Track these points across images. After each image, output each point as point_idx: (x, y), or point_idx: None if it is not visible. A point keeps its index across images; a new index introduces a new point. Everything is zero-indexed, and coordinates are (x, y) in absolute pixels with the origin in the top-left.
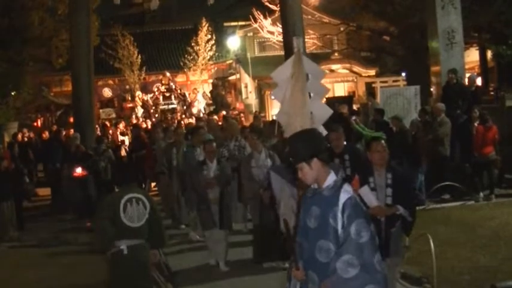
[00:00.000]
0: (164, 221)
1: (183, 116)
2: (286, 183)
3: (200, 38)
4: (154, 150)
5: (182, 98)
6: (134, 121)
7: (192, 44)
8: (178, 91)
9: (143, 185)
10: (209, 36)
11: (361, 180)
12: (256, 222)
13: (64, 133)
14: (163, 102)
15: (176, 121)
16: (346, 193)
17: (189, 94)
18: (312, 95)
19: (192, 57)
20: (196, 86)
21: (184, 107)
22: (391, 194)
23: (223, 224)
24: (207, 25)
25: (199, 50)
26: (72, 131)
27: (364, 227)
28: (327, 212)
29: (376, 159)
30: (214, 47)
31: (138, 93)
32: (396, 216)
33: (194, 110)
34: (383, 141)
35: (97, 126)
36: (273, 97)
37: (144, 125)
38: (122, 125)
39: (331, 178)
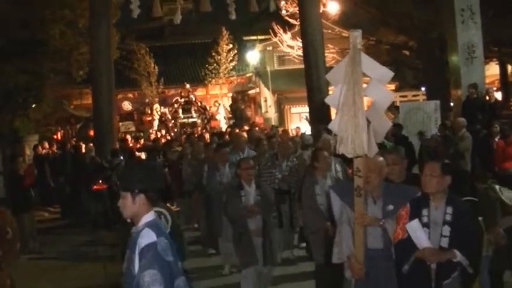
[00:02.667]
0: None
1: (204, 130)
2: (345, 207)
3: (221, 47)
4: (181, 165)
5: (203, 111)
6: (153, 135)
7: (213, 54)
8: (199, 104)
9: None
10: (230, 46)
11: (412, 213)
12: (319, 262)
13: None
14: (182, 116)
15: (197, 135)
16: (146, 238)
17: (210, 107)
18: (372, 101)
19: (213, 67)
20: (217, 99)
21: (205, 121)
22: (448, 233)
23: (267, 259)
24: (227, 35)
25: (220, 60)
26: (82, 144)
27: (157, 280)
28: (131, 255)
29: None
30: (236, 57)
31: (156, 106)
32: (452, 265)
33: (216, 124)
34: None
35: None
36: (328, 102)
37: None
38: (141, 141)
39: (145, 219)
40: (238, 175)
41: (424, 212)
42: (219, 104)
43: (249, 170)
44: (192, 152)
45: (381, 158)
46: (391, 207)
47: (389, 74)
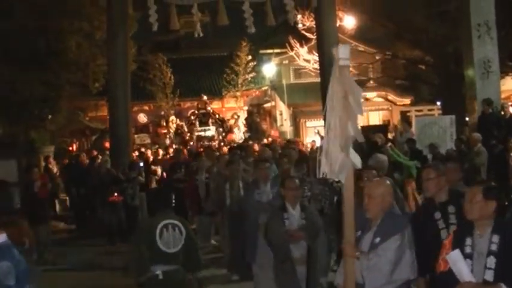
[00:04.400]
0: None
1: (221, 143)
2: None
3: (240, 59)
4: (197, 181)
5: (220, 124)
6: (170, 148)
7: (232, 65)
8: (217, 116)
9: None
10: (250, 58)
11: (455, 242)
12: None
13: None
14: (199, 128)
15: (215, 149)
16: None
17: (228, 120)
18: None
19: (231, 77)
20: (233, 112)
21: (223, 134)
22: (493, 265)
23: None
24: (247, 46)
25: (239, 70)
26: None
27: None
28: None
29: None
30: (255, 68)
31: (172, 118)
32: None
33: (235, 137)
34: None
35: (136, 152)
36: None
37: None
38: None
39: None
40: (282, 195)
41: (468, 241)
42: (238, 117)
43: (294, 191)
44: (216, 166)
45: (386, 184)
46: (377, 240)
47: (360, 111)
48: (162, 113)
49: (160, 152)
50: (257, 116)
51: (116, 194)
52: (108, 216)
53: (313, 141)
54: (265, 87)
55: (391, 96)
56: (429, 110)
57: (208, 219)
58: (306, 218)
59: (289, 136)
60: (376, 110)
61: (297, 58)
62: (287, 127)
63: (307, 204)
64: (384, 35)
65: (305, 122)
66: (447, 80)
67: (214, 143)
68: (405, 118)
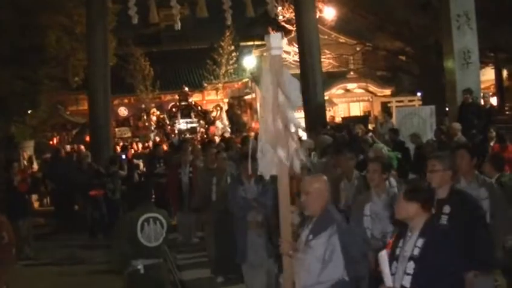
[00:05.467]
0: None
1: (204, 136)
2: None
3: (223, 49)
4: (179, 175)
5: (203, 116)
6: (151, 141)
7: (215, 56)
8: (199, 108)
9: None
10: (232, 48)
11: (394, 242)
12: None
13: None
14: (181, 121)
15: (197, 142)
16: None
17: (211, 112)
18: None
19: (213, 69)
20: (215, 104)
21: (206, 126)
22: (412, 271)
23: None
24: (231, 36)
25: (221, 61)
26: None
27: None
28: None
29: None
30: (237, 59)
31: (154, 110)
32: None
33: (217, 129)
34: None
35: (118, 146)
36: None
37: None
38: (139, 146)
39: None
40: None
41: (400, 242)
42: (221, 108)
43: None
44: (201, 160)
45: (322, 179)
46: (310, 237)
47: (299, 101)
48: (143, 106)
49: (140, 145)
50: (238, 108)
51: (97, 189)
52: (89, 211)
53: None
54: (246, 79)
55: (371, 88)
56: (410, 100)
57: (192, 215)
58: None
59: None
60: (357, 101)
61: None
62: (292, 116)
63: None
64: (364, 27)
65: None
66: (428, 71)
67: (196, 136)
68: (386, 109)
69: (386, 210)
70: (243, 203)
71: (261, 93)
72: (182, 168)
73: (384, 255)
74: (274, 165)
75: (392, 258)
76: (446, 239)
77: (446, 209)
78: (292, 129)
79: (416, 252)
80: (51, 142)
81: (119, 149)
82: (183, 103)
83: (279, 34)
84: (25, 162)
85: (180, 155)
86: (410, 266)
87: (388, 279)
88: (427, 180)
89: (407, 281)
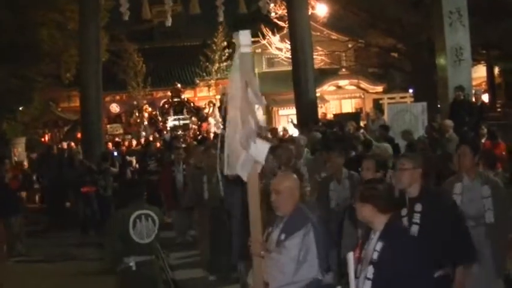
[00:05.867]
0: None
1: (197, 132)
2: None
3: (217, 45)
4: (173, 173)
5: (195, 112)
6: (143, 138)
7: (208, 53)
8: (191, 104)
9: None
10: (225, 44)
11: (362, 243)
12: None
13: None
14: (173, 117)
15: (190, 139)
16: None
17: (204, 108)
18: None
19: (205, 65)
20: (207, 101)
21: (199, 123)
22: (371, 276)
23: None
24: (224, 32)
25: (214, 57)
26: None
27: None
28: None
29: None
30: (230, 55)
31: (146, 106)
32: None
33: (210, 126)
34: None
35: (110, 143)
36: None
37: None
38: (132, 142)
39: None
40: None
41: (366, 244)
42: (214, 105)
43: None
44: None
45: (292, 178)
46: (282, 236)
47: (260, 102)
48: (135, 102)
49: (134, 142)
50: None
51: (88, 185)
52: (81, 208)
53: (284, 128)
54: None
55: (363, 84)
56: (401, 97)
57: (185, 213)
58: None
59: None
60: (348, 97)
61: (269, 46)
62: (260, 116)
63: None
64: (356, 23)
65: (278, 110)
66: (420, 68)
67: (189, 133)
68: (378, 106)
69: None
70: (242, 203)
71: (230, 91)
72: (176, 166)
73: (350, 257)
74: (243, 165)
75: (359, 261)
76: (406, 243)
77: (418, 207)
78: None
79: (375, 256)
80: (42, 139)
81: (110, 145)
82: (175, 99)
83: (247, 31)
84: (16, 159)
85: (171, 152)
86: (370, 271)
87: (352, 283)
88: (397, 179)
89: (367, 286)
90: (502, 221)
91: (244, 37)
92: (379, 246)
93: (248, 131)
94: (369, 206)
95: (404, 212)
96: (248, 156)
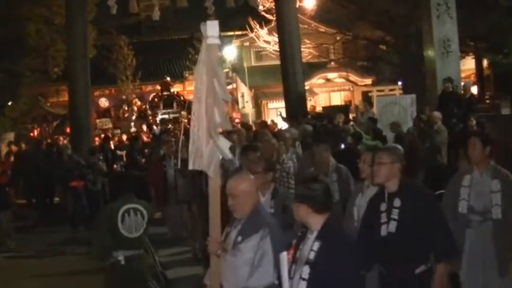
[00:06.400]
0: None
1: (188, 126)
2: None
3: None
4: (164, 167)
5: (185, 106)
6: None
7: (197, 45)
8: (181, 98)
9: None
10: None
11: (296, 243)
12: None
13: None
14: (163, 111)
15: (179, 133)
16: None
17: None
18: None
19: (195, 58)
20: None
21: (189, 116)
22: (307, 276)
23: None
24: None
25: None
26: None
27: None
28: None
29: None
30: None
31: (135, 100)
32: None
33: None
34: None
35: (97, 138)
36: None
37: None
38: (123, 137)
39: None
40: None
41: (301, 244)
42: None
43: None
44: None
45: (248, 178)
46: (239, 238)
47: (226, 96)
48: (124, 96)
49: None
50: None
51: (77, 180)
52: (70, 203)
53: (272, 120)
54: (227, 70)
55: (352, 77)
56: (390, 90)
57: (178, 209)
58: (276, 209)
59: (251, 118)
60: (337, 90)
61: (257, 40)
62: (249, 109)
63: (281, 191)
64: (344, 16)
65: (267, 103)
66: (408, 60)
67: (179, 126)
68: (367, 98)
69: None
70: None
71: (195, 84)
72: (167, 160)
73: (283, 257)
74: (207, 160)
75: (293, 261)
76: (343, 243)
77: (397, 202)
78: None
79: (312, 256)
80: (31, 134)
81: (97, 140)
82: (165, 93)
83: (215, 22)
84: (4, 155)
85: (160, 147)
86: (306, 271)
87: (285, 283)
88: (374, 173)
89: (302, 286)
90: (511, 218)
91: (211, 28)
92: (316, 246)
93: (214, 125)
94: (304, 206)
95: (383, 207)
96: (213, 151)
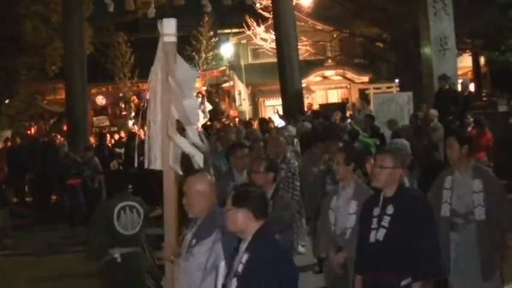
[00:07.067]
0: None
1: None
2: None
3: (203, 35)
4: None
5: None
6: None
7: (194, 43)
8: None
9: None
10: (211, 33)
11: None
12: None
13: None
14: None
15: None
16: None
17: None
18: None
19: (192, 55)
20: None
21: None
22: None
23: None
24: (209, 22)
25: (200, 48)
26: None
27: None
28: None
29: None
30: (216, 45)
31: (133, 98)
32: None
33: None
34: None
35: (93, 135)
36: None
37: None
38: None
39: None
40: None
41: (236, 255)
42: (203, 95)
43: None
44: None
45: (205, 179)
46: (193, 241)
47: (185, 94)
48: (121, 94)
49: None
50: (216, 96)
51: (74, 178)
52: (67, 201)
53: (269, 117)
54: (224, 67)
55: (349, 75)
56: (387, 87)
57: None
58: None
59: (248, 115)
60: (334, 88)
61: (254, 37)
62: (246, 106)
63: (281, 192)
64: (341, 13)
65: (264, 101)
66: (405, 58)
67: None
68: (364, 96)
69: (347, 205)
70: None
71: (151, 83)
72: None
73: (221, 266)
74: (162, 158)
75: (229, 272)
76: (271, 256)
77: (390, 209)
78: (189, 120)
79: (240, 268)
80: (28, 132)
81: (92, 139)
82: None
83: (172, 19)
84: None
85: None
86: (233, 284)
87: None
88: (373, 176)
89: None
90: (495, 218)
91: (167, 25)
92: (244, 258)
93: (172, 123)
94: (244, 211)
95: (376, 211)
96: (171, 149)
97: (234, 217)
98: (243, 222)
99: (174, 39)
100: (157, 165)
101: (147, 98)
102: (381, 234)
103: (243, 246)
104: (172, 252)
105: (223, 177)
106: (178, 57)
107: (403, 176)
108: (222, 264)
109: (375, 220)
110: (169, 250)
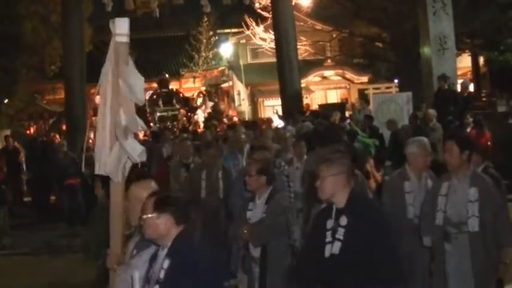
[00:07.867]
0: None
1: (186, 124)
2: None
3: (202, 34)
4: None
5: (185, 103)
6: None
7: (193, 42)
8: (181, 95)
9: None
10: (211, 33)
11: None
12: None
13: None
14: (163, 108)
15: (178, 130)
16: None
17: (194, 99)
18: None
19: (192, 54)
20: (191, 93)
21: (188, 114)
22: None
23: None
24: (209, 22)
25: (200, 47)
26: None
27: None
28: None
29: None
30: (215, 45)
31: None
32: None
33: (200, 117)
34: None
35: (92, 135)
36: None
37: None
38: None
39: None
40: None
41: (154, 262)
42: (204, 95)
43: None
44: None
45: (151, 186)
46: (134, 251)
47: (135, 97)
48: None
49: None
50: (215, 96)
51: (73, 177)
52: (66, 201)
53: (269, 117)
54: (223, 67)
55: (348, 75)
56: (387, 87)
57: None
58: (268, 213)
59: (247, 115)
60: (334, 88)
61: (253, 37)
62: (245, 107)
63: (277, 196)
64: (340, 13)
65: (263, 101)
66: (405, 58)
67: (178, 124)
68: (363, 96)
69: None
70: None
71: (101, 84)
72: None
73: (136, 277)
74: (110, 164)
75: (146, 280)
76: (194, 260)
77: (343, 220)
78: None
79: (162, 275)
80: (28, 131)
81: (91, 138)
82: (164, 90)
83: (126, 19)
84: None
85: (162, 145)
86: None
87: None
88: (318, 188)
89: None
90: (490, 230)
91: (120, 25)
92: (166, 264)
93: (119, 126)
94: (167, 216)
95: (329, 224)
96: (120, 155)
97: (155, 223)
98: (165, 227)
99: (126, 39)
100: (107, 170)
101: (97, 102)
102: (337, 247)
103: (162, 253)
104: (116, 261)
105: (235, 179)
106: (130, 60)
107: (351, 182)
108: (137, 274)
109: (328, 233)
110: (113, 259)
